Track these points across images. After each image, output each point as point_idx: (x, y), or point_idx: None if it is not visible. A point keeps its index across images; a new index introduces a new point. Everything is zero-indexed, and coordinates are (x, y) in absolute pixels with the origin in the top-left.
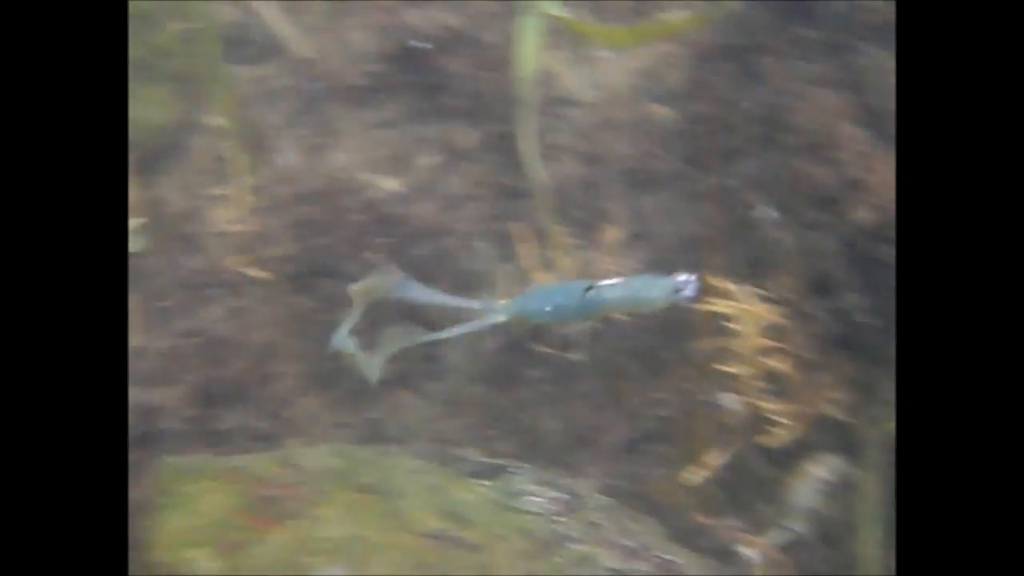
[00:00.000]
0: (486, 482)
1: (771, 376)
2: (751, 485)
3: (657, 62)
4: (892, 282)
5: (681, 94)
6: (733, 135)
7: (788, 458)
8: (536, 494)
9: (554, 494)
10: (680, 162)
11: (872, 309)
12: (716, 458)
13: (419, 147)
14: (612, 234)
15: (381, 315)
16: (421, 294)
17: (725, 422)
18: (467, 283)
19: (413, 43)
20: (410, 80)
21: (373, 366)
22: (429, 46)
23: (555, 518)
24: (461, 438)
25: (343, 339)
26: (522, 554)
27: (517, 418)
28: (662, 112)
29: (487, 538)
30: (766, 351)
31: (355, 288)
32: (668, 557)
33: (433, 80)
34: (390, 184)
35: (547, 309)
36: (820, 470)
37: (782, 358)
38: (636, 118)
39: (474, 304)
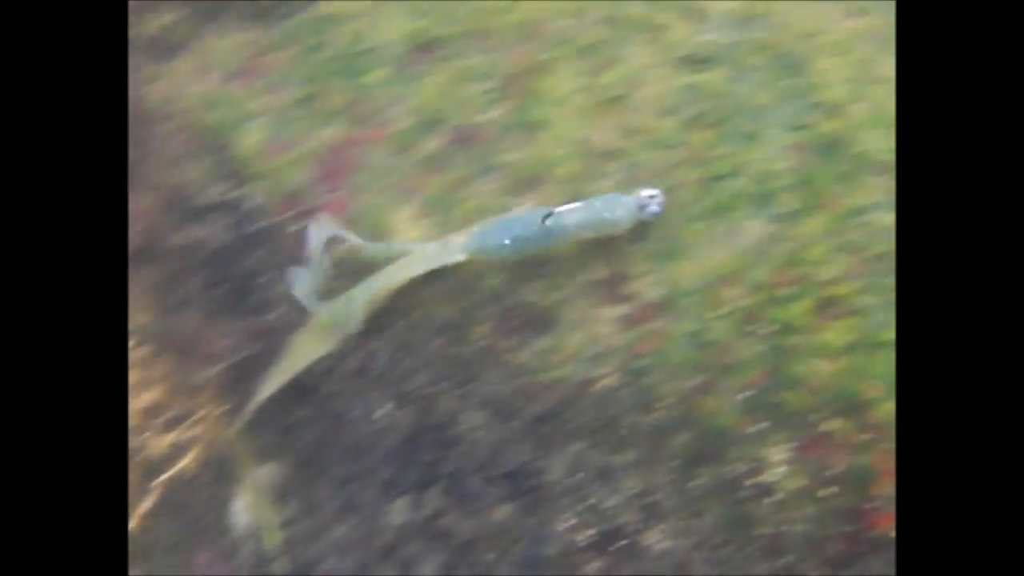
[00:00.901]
0: None
1: (154, 409)
2: (198, 518)
3: None
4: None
5: None
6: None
7: (224, 482)
8: None
9: None
10: None
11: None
12: (145, 504)
13: None
14: None
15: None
16: (376, 249)
17: (140, 464)
18: None
19: None
20: None
21: (353, 315)
22: None
23: None
24: None
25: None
26: None
27: None
28: None
29: None
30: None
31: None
32: None
33: None
34: None
35: (506, 242)
36: (251, 483)
37: (155, 387)
38: None
39: (430, 247)
